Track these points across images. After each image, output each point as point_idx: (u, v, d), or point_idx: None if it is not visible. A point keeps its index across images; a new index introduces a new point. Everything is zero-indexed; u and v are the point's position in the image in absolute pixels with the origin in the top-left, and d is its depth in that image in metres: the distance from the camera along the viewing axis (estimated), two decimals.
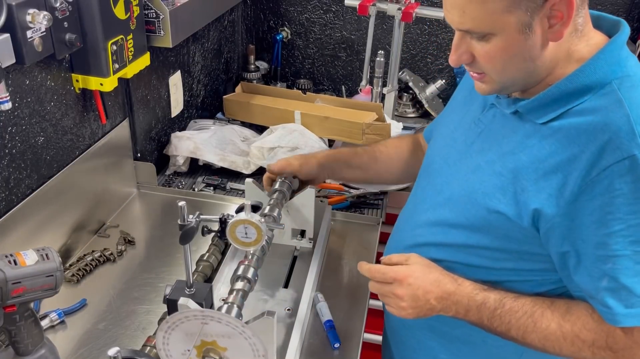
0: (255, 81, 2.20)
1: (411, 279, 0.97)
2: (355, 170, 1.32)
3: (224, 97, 2.00)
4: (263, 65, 2.34)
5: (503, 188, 0.91)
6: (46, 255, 0.94)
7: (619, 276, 0.83)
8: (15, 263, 0.91)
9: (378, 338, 1.41)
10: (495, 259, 0.96)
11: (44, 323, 1.13)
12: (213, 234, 1.11)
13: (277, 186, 1.23)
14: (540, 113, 0.89)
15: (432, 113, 2.15)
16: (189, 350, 0.92)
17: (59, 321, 1.15)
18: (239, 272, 1.01)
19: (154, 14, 1.41)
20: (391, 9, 1.89)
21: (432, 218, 1.03)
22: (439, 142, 1.13)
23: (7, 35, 1.00)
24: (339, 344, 1.13)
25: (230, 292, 0.97)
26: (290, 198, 1.26)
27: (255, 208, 1.11)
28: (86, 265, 1.30)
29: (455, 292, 0.96)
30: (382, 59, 2.00)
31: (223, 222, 1.08)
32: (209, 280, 1.27)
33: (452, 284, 0.97)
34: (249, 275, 1.01)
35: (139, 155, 1.62)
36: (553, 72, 0.87)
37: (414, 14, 1.86)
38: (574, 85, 0.86)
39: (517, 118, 0.93)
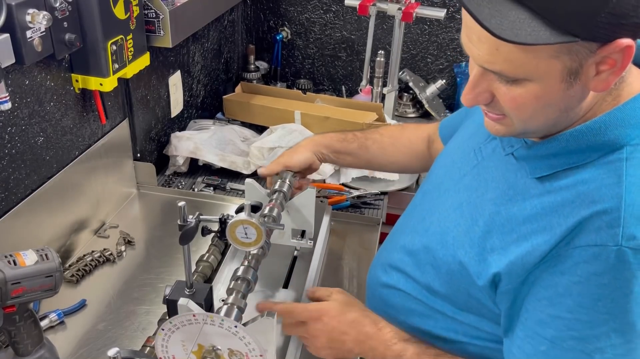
0: (255, 81, 2.20)
1: (326, 318, 0.92)
2: (346, 156, 1.25)
3: (224, 97, 1.99)
4: (263, 65, 2.34)
5: (472, 240, 0.82)
6: (45, 255, 0.94)
7: None
8: (15, 264, 0.90)
9: None
10: (458, 309, 0.88)
11: (44, 323, 1.13)
12: (213, 234, 1.11)
13: (277, 186, 1.23)
14: (535, 166, 0.78)
15: (433, 113, 2.15)
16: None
17: (58, 321, 1.15)
18: (239, 273, 1.01)
19: (153, 13, 1.40)
20: (391, 9, 1.89)
21: (408, 245, 0.96)
22: (443, 157, 1.04)
23: (7, 35, 1.00)
24: None
25: (230, 293, 0.97)
26: (290, 199, 1.26)
27: (255, 209, 1.11)
28: (86, 265, 1.29)
29: (372, 337, 0.91)
30: (382, 59, 1.99)
31: (223, 222, 1.08)
32: (208, 280, 1.27)
33: (371, 327, 0.92)
34: (249, 275, 1.00)
35: (138, 155, 1.61)
36: (585, 115, 0.75)
37: (414, 14, 1.86)
38: (577, 143, 0.74)
39: (514, 161, 0.83)
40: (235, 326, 0.87)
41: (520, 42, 0.62)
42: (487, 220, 0.82)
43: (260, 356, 0.89)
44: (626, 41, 0.64)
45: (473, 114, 1.02)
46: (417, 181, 1.74)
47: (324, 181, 1.69)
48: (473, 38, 0.68)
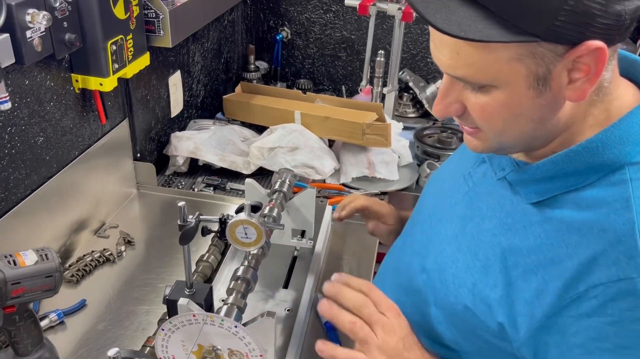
0: (255, 81, 2.20)
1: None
2: None
3: (224, 97, 1.99)
4: (263, 65, 2.34)
5: (473, 277, 0.77)
6: (45, 255, 0.94)
7: None
8: (15, 264, 0.90)
9: None
10: (464, 354, 0.82)
11: (44, 323, 1.13)
12: (213, 234, 1.11)
13: (277, 186, 1.23)
14: (531, 190, 0.73)
15: (432, 113, 2.15)
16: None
17: (58, 321, 1.15)
18: (239, 273, 1.01)
19: (153, 13, 1.40)
20: (391, 8, 1.89)
21: (405, 284, 0.90)
22: (432, 185, 0.99)
23: (7, 35, 1.00)
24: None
25: (230, 293, 0.97)
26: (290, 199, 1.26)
27: (255, 209, 1.11)
28: (86, 265, 1.29)
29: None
30: (382, 59, 1.99)
31: (223, 222, 1.08)
32: (208, 280, 1.27)
33: None
34: (249, 275, 1.00)
35: (138, 155, 1.61)
36: (568, 129, 0.69)
37: (414, 14, 1.86)
38: (575, 165, 0.68)
39: (508, 185, 0.77)
40: (235, 326, 0.87)
41: (468, 37, 0.58)
42: (487, 253, 0.76)
43: (260, 356, 0.89)
44: (596, 43, 0.58)
45: None
46: (417, 181, 1.74)
47: (324, 181, 1.69)
48: (437, 43, 0.65)
